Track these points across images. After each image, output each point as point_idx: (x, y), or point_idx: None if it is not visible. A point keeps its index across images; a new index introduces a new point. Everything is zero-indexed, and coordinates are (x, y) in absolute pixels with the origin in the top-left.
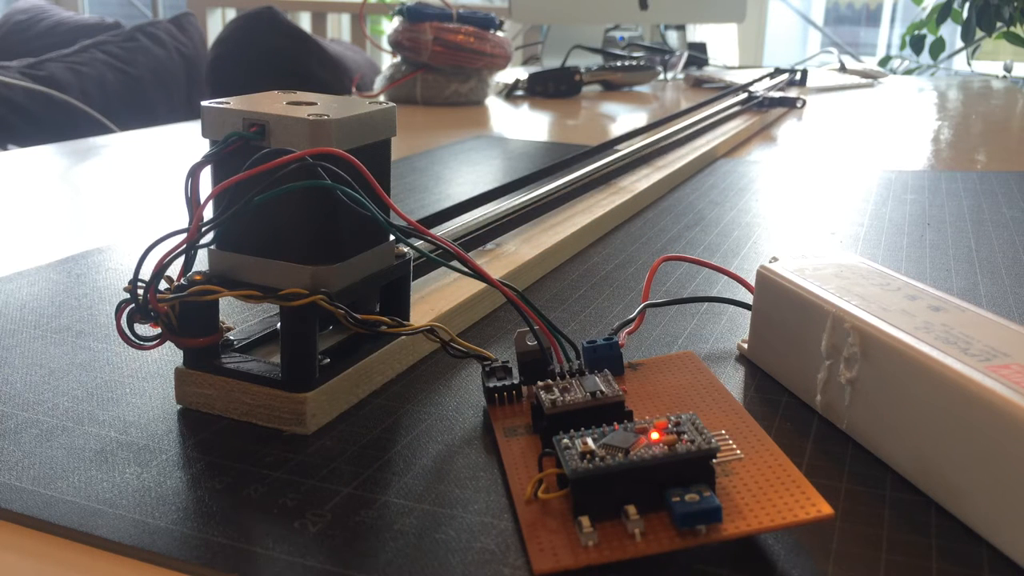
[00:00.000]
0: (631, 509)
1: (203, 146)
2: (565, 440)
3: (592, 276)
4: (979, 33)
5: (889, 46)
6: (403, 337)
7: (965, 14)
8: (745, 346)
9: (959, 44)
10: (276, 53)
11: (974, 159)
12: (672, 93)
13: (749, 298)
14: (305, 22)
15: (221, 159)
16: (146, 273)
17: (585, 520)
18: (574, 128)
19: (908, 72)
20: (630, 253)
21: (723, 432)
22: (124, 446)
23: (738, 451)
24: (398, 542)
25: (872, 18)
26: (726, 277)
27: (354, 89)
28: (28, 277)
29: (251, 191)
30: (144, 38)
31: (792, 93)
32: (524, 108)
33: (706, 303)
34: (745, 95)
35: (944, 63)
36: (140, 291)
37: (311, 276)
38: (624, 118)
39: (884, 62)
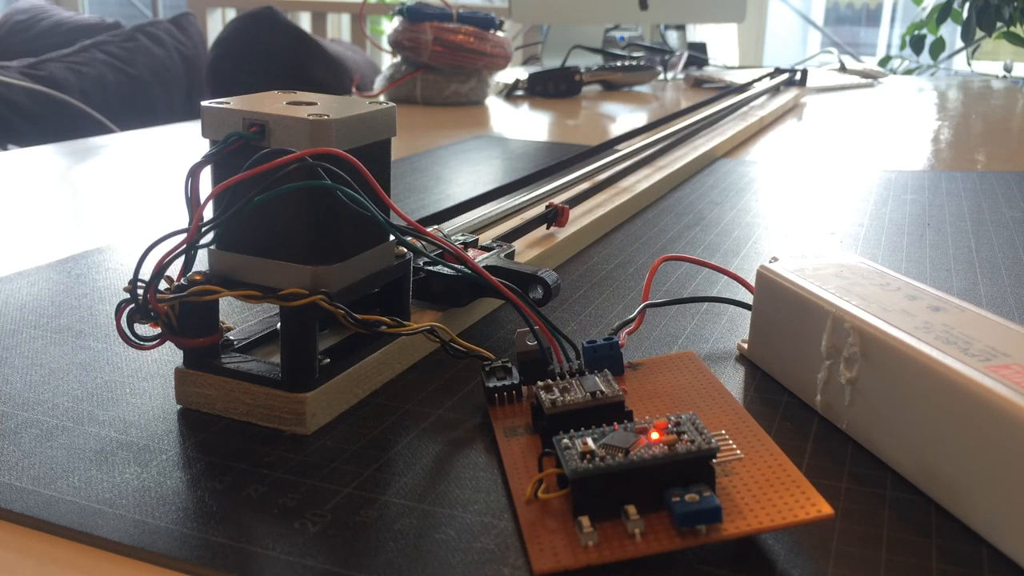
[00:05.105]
0: (631, 509)
1: (203, 146)
2: (565, 440)
3: (592, 276)
4: (979, 33)
5: (889, 46)
6: (403, 337)
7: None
8: (745, 346)
9: (959, 44)
10: (276, 53)
11: (974, 159)
12: (672, 93)
13: (749, 298)
14: (305, 22)
15: (221, 159)
16: (146, 273)
17: (585, 520)
18: (574, 128)
19: (908, 72)
20: (630, 253)
21: (723, 432)
22: (124, 446)
23: (738, 451)
24: (398, 542)
25: (872, 18)
26: (726, 277)
27: (354, 89)
28: (28, 277)
29: (251, 191)
30: (144, 38)
31: (790, 93)
32: (524, 108)
33: (706, 303)
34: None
35: (944, 63)
36: (140, 291)
37: (311, 276)
38: (624, 118)
39: (884, 62)
